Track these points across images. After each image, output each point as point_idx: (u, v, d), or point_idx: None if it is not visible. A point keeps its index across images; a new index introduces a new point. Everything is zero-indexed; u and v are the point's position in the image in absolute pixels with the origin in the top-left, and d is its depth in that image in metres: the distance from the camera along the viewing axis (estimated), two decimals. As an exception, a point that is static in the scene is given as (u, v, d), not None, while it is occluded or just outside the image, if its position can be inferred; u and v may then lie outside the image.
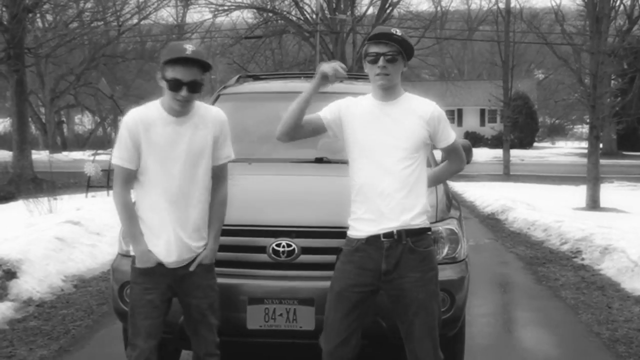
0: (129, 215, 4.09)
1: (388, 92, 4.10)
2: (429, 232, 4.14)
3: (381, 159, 4.02)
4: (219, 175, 4.24)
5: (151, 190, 4.04)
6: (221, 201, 4.26)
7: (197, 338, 4.24)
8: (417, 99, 4.21)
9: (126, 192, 4.08)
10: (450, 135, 4.22)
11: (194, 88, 3.93)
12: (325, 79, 4.06)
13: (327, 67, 4.07)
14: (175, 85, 3.89)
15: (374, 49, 4.02)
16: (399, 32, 4.02)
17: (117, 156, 4.03)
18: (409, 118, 4.08)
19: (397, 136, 4.04)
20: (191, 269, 4.10)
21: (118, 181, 4.07)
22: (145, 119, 4.01)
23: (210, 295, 4.19)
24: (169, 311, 4.17)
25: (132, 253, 4.20)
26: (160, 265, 4.05)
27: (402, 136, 4.05)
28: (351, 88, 5.82)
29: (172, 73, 3.88)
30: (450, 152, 4.34)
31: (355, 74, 7.67)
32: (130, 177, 4.06)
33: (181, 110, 3.99)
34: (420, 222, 4.06)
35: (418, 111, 4.11)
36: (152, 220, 4.05)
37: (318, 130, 4.23)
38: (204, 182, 4.13)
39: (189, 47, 3.92)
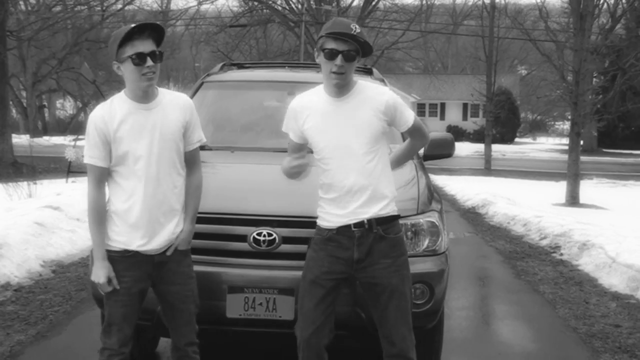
0: (100, 221, 4.04)
1: (342, 88, 4.06)
2: (398, 219, 4.16)
3: (344, 157, 4.01)
4: (192, 160, 4.22)
5: (126, 181, 4.01)
6: (196, 185, 4.23)
7: (177, 327, 4.21)
8: (370, 89, 4.16)
9: (101, 195, 4.03)
10: (409, 118, 4.16)
11: (156, 57, 3.92)
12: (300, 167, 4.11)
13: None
14: (138, 60, 3.87)
15: (331, 45, 3.93)
16: (357, 29, 3.94)
17: (89, 155, 3.99)
18: (364, 112, 4.05)
19: (356, 132, 4.02)
20: (168, 253, 4.08)
21: (92, 180, 4.02)
22: (112, 112, 3.98)
23: (189, 282, 4.18)
24: (144, 300, 4.14)
25: (109, 248, 4.10)
26: (137, 252, 4.03)
27: (360, 131, 4.02)
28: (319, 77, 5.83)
29: (131, 49, 3.87)
30: (413, 132, 4.29)
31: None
32: (104, 176, 4.03)
33: (149, 86, 3.95)
34: (390, 210, 4.08)
35: (373, 103, 4.07)
36: (129, 211, 4.00)
37: (302, 148, 4.24)
38: (178, 167, 4.11)
39: (134, 24, 3.95)
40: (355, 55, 3.96)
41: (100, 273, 4.00)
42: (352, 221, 4.00)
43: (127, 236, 4.02)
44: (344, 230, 4.02)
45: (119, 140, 3.95)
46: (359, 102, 4.06)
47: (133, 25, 3.90)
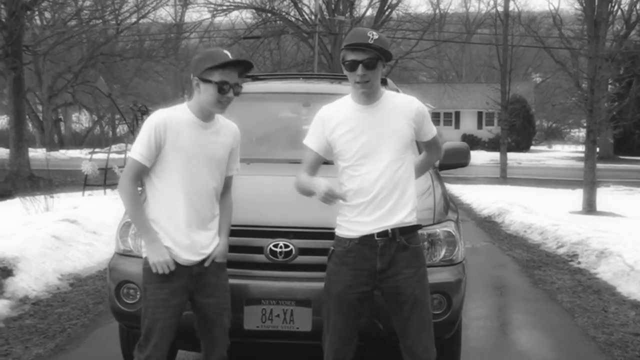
0: (137, 203, 4.13)
1: (369, 96, 4.09)
2: (419, 229, 4.17)
3: (373, 164, 4.02)
4: (227, 185, 4.36)
5: (171, 190, 4.07)
6: (229, 206, 4.38)
7: (210, 340, 4.24)
8: (398, 97, 4.21)
9: (134, 185, 4.12)
10: (433, 129, 4.28)
11: (238, 90, 4.08)
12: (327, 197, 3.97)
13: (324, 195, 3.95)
14: (223, 88, 4.00)
15: (351, 57, 3.97)
16: (375, 36, 3.96)
17: (138, 151, 4.05)
18: (395, 118, 4.08)
19: (386, 138, 4.04)
20: (206, 264, 4.13)
21: (130, 174, 4.10)
22: (174, 120, 4.08)
23: (225, 295, 4.23)
24: (182, 312, 4.15)
25: (144, 255, 4.16)
26: (175, 264, 4.06)
27: (390, 138, 4.04)
28: (341, 89, 5.82)
29: (220, 76, 4.00)
30: (432, 144, 4.37)
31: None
32: (142, 173, 4.11)
33: (220, 112, 4.13)
34: (412, 219, 4.09)
35: (403, 110, 4.11)
36: (169, 222, 4.07)
37: (320, 161, 4.24)
38: (219, 188, 4.25)
39: (229, 53, 4.09)
40: (377, 61, 3.97)
41: (162, 251, 4.05)
42: (376, 230, 4.00)
43: (168, 245, 4.07)
44: (367, 239, 4.02)
45: (173, 149, 4.03)
46: (390, 109, 4.09)
47: (228, 55, 4.04)
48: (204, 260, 4.14)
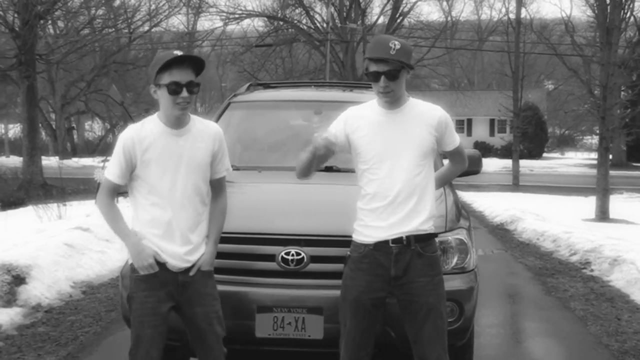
0: (113, 214, 4.12)
1: (393, 103, 4.09)
2: (435, 237, 4.16)
3: (392, 168, 4.02)
4: (218, 187, 4.29)
5: (152, 202, 4.04)
6: (221, 210, 4.30)
7: (204, 349, 4.21)
8: (422, 105, 4.19)
9: (110, 199, 4.13)
10: (456, 139, 4.26)
11: (192, 89, 3.98)
12: (321, 148, 3.98)
13: (320, 144, 3.96)
14: (174, 89, 3.93)
15: (373, 68, 3.97)
16: (397, 45, 3.93)
17: (110, 171, 4.06)
18: (416, 125, 4.08)
19: (406, 144, 4.04)
20: (191, 274, 4.09)
21: (104, 192, 4.12)
22: (143, 135, 4.04)
23: (214, 304, 4.18)
24: (168, 319, 4.14)
25: (129, 262, 4.19)
26: (161, 271, 4.04)
27: (410, 144, 4.05)
28: (360, 97, 5.82)
29: (169, 77, 3.93)
30: (455, 154, 4.37)
31: (364, 83, 7.64)
32: (116, 191, 4.12)
33: (181, 114, 4.02)
34: (428, 227, 4.08)
35: (425, 118, 4.11)
36: (152, 234, 4.05)
37: (330, 155, 4.21)
38: (203, 195, 4.17)
39: (178, 52, 4.01)
40: (399, 72, 3.96)
41: (144, 254, 4.01)
42: (391, 237, 4.00)
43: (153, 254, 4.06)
44: (382, 246, 4.01)
45: (146, 163, 4.01)
46: (412, 116, 4.09)
47: (174, 54, 3.96)
48: (189, 269, 4.11)
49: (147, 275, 4.04)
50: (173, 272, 4.06)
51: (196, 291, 4.12)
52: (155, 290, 4.05)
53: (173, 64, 3.93)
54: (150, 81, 4.04)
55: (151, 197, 4.04)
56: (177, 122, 4.06)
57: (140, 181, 4.06)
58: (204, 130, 4.17)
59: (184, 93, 3.93)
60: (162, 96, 3.99)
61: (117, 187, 4.10)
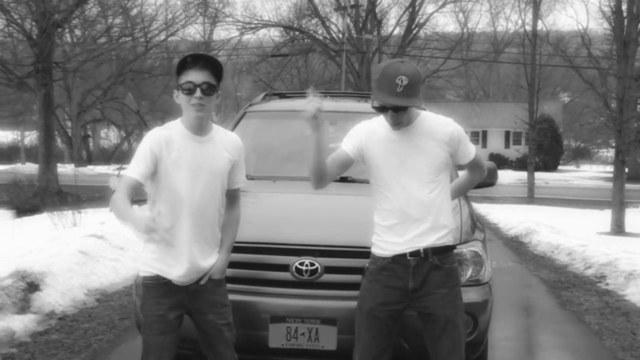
0: (125, 202, 3.85)
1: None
2: (454, 249, 4.14)
3: (406, 186, 4.00)
4: (233, 198, 4.30)
5: (168, 207, 4.03)
6: (235, 220, 4.31)
7: (216, 355, 4.21)
8: (433, 120, 4.14)
9: (125, 194, 3.94)
10: (471, 151, 4.21)
11: (207, 90, 3.98)
12: (314, 119, 3.88)
13: (307, 109, 3.86)
14: (188, 88, 3.95)
15: (380, 102, 3.91)
16: (404, 81, 3.79)
17: (133, 169, 3.96)
18: (428, 142, 4.04)
19: (419, 162, 4.01)
20: (202, 282, 4.10)
21: (122, 188, 3.94)
22: (168, 137, 4.04)
23: (224, 311, 4.18)
24: (180, 326, 4.14)
25: (140, 273, 4.18)
26: (171, 281, 4.05)
27: (423, 161, 4.02)
28: (368, 108, 5.81)
29: (184, 78, 3.97)
30: (473, 166, 4.34)
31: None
32: (134, 189, 3.98)
33: (198, 117, 4.01)
34: (447, 240, 4.06)
35: (437, 133, 4.06)
36: (168, 240, 4.03)
37: (347, 164, 4.18)
38: (219, 203, 4.17)
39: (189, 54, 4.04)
40: (407, 106, 3.88)
41: (142, 221, 3.63)
42: (409, 250, 3.98)
43: (164, 264, 4.05)
44: (399, 259, 4.00)
45: (169, 166, 3.99)
46: (423, 132, 4.05)
47: (188, 54, 3.99)
48: (200, 279, 4.11)
49: (159, 283, 4.04)
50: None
51: (206, 299, 4.12)
52: (165, 298, 4.05)
53: (187, 64, 3.97)
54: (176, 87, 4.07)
55: (169, 203, 4.03)
56: (199, 128, 4.06)
57: (161, 185, 4.03)
58: (226, 139, 4.19)
59: (198, 93, 3.94)
60: (179, 97, 4.03)
61: (135, 184, 3.97)
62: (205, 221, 4.09)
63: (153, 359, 4.06)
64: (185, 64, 3.97)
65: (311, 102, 3.84)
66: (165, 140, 4.02)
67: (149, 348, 4.08)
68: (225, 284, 4.27)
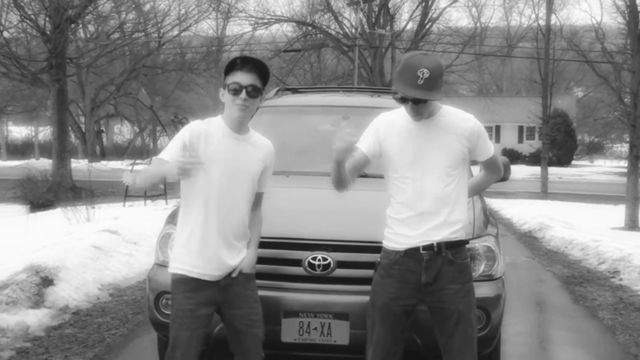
0: (153, 167, 4.11)
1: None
2: (466, 244, 4.13)
3: (422, 179, 3.99)
4: (257, 200, 4.34)
5: (201, 201, 4.06)
6: (259, 220, 4.36)
7: (242, 352, 4.22)
8: (454, 114, 4.12)
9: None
10: (490, 148, 4.21)
11: (252, 92, 4.05)
12: (345, 152, 3.90)
13: (342, 139, 3.86)
14: (234, 89, 4.02)
15: (400, 94, 3.89)
16: (426, 74, 3.77)
17: (168, 152, 4.01)
18: (447, 136, 4.03)
19: (437, 155, 4.00)
20: (233, 275, 4.12)
21: (152, 168, 4.10)
22: (209, 132, 4.10)
23: (255, 306, 4.21)
24: (210, 324, 4.16)
25: (170, 270, 4.19)
26: (200, 278, 4.07)
27: (441, 155, 4.01)
28: (389, 103, 5.80)
29: (232, 78, 4.05)
30: (490, 164, 4.33)
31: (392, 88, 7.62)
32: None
33: (240, 117, 4.08)
34: (459, 234, 4.05)
35: (457, 128, 4.05)
36: (196, 234, 4.06)
37: (365, 164, 4.20)
38: (248, 203, 4.21)
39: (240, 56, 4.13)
40: (426, 99, 3.86)
41: (172, 162, 3.87)
42: (422, 243, 3.97)
43: (194, 261, 4.07)
44: (412, 252, 3.99)
45: (205, 160, 3.98)
46: (443, 126, 4.04)
47: (240, 57, 4.08)
48: (231, 272, 4.14)
49: (188, 278, 4.07)
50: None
51: (236, 293, 4.14)
52: (195, 293, 4.07)
53: (235, 65, 4.05)
54: (222, 85, 4.15)
55: (202, 198, 4.06)
56: (239, 127, 4.14)
57: (194, 179, 4.03)
58: (261, 143, 4.27)
59: (243, 94, 4.02)
60: (225, 96, 4.09)
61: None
62: (234, 218, 4.12)
63: (179, 354, 4.07)
64: (234, 65, 4.07)
65: (346, 134, 3.84)
66: (206, 132, 4.08)
67: (176, 342, 4.09)
68: (255, 280, 4.28)
